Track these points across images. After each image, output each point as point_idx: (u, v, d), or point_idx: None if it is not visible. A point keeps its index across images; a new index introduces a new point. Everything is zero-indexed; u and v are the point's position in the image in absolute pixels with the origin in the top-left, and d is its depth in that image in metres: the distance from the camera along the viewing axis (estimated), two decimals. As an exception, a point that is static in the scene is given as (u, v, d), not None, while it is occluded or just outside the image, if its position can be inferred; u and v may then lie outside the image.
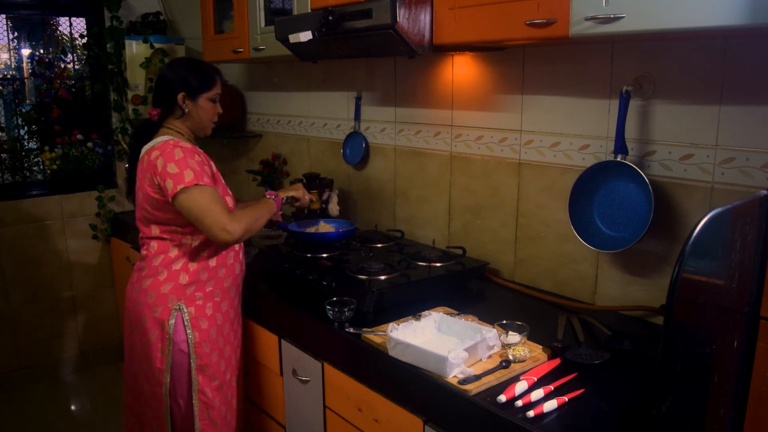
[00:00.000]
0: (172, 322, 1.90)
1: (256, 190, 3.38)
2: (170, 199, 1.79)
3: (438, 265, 2.12)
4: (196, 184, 1.77)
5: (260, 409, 2.28)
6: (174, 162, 1.79)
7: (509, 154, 2.16)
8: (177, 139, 1.88)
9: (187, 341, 1.92)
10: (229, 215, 1.80)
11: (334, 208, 2.58)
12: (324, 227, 2.45)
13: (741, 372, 1.32)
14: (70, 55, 3.50)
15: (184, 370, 1.95)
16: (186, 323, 1.91)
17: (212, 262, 1.94)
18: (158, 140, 1.89)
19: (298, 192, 2.20)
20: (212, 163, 1.95)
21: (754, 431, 1.32)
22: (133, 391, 2.05)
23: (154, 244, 1.94)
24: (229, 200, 1.97)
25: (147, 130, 1.98)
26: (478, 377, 1.44)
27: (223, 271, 1.98)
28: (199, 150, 1.92)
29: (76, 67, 3.54)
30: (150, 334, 1.93)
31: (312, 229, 2.43)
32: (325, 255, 2.22)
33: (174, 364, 1.93)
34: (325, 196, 2.55)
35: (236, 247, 2.02)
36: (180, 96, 1.93)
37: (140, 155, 1.93)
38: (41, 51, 3.54)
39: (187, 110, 1.94)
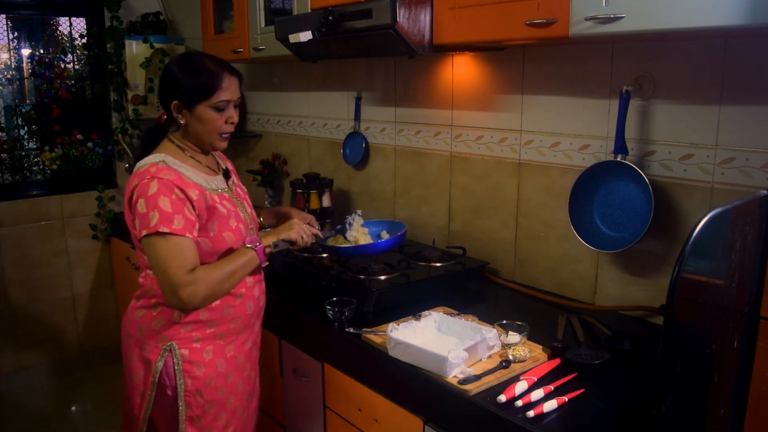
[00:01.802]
0: (160, 364, 1.62)
1: (256, 191, 3.37)
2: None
3: (438, 265, 2.12)
4: (157, 232, 1.49)
5: (260, 409, 2.28)
6: (144, 199, 1.52)
7: (509, 154, 2.16)
8: (162, 165, 1.58)
9: (176, 388, 1.63)
10: (187, 276, 1.49)
11: (359, 237, 2.08)
12: (359, 236, 2.09)
13: (741, 372, 1.32)
14: (70, 55, 3.50)
15: (169, 417, 1.68)
16: (177, 368, 1.62)
17: (216, 302, 1.64)
18: (146, 160, 1.62)
19: (292, 233, 1.72)
20: (208, 194, 1.62)
21: (754, 431, 1.32)
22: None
23: (149, 272, 1.65)
24: (229, 236, 1.63)
25: (153, 138, 1.72)
26: (478, 377, 1.44)
27: (230, 311, 1.68)
28: (188, 181, 1.58)
29: (76, 67, 3.54)
30: (134, 373, 1.67)
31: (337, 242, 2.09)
32: (324, 255, 2.22)
33: (158, 408, 1.67)
34: (347, 220, 2.10)
35: (249, 282, 1.71)
36: (173, 105, 1.62)
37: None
38: (41, 51, 3.54)
39: (182, 122, 1.63)
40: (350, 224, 2.07)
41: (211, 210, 1.61)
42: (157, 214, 1.50)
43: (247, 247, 1.63)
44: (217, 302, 1.64)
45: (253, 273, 1.70)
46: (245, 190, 1.87)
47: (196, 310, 1.61)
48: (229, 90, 1.62)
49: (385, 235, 2.15)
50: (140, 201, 1.53)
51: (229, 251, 1.63)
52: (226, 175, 1.78)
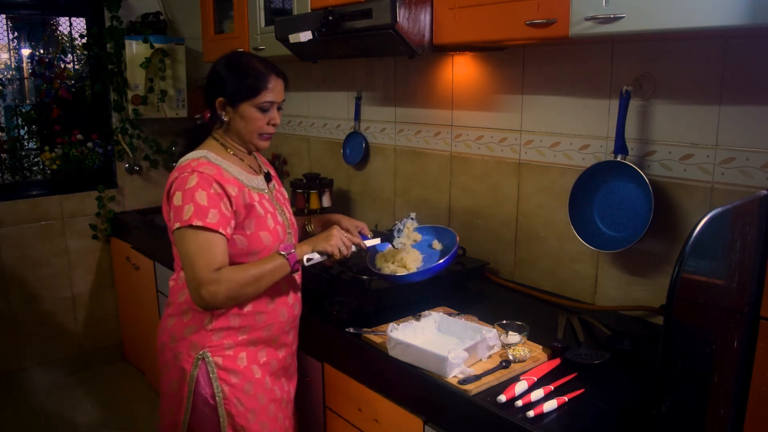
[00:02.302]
0: (194, 372, 1.59)
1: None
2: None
3: (438, 265, 2.11)
4: (190, 225, 1.48)
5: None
6: (182, 191, 1.52)
7: (509, 154, 2.16)
8: (204, 160, 1.57)
9: (215, 396, 1.60)
10: (211, 275, 1.47)
11: (407, 242, 1.87)
12: (409, 259, 1.82)
13: (741, 372, 1.32)
14: (70, 55, 3.50)
15: (210, 427, 1.63)
16: (212, 376, 1.59)
17: (247, 307, 1.61)
18: (188, 156, 1.61)
19: (327, 244, 1.61)
20: (247, 191, 1.60)
21: (754, 431, 1.32)
22: None
23: (182, 275, 1.61)
24: (266, 236, 1.60)
25: (196, 137, 1.70)
26: (478, 377, 1.44)
27: (263, 317, 1.64)
28: (228, 176, 1.57)
29: (76, 67, 3.54)
30: (171, 382, 1.65)
31: (384, 266, 1.82)
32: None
33: (198, 418, 1.62)
34: (396, 226, 1.88)
35: (283, 288, 1.67)
36: (218, 102, 1.63)
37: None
38: (41, 51, 3.54)
39: (226, 119, 1.64)
40: (399, 230, 1.85)
41: (248, 208, 1.59)
42: (192, 208, 1.49)
43: (279, 254, 1.57)
44: (249, 308, 1.61)
45: (287, 281, 1.66)
46: (286, 196, 1.82)
47: (225, 316, 1.59)
48: (274, 92, 1.63)
49: (437, 245, 1.96)
50: (177, 194, 1.52)
51: (264, 252, 1.60)
52: (267, 178, 1.76)
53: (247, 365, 1.63)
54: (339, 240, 1.63)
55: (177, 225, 1.50)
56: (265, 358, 1.67)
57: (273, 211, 1.66)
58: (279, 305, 1.67)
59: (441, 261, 1.78)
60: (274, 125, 1.66)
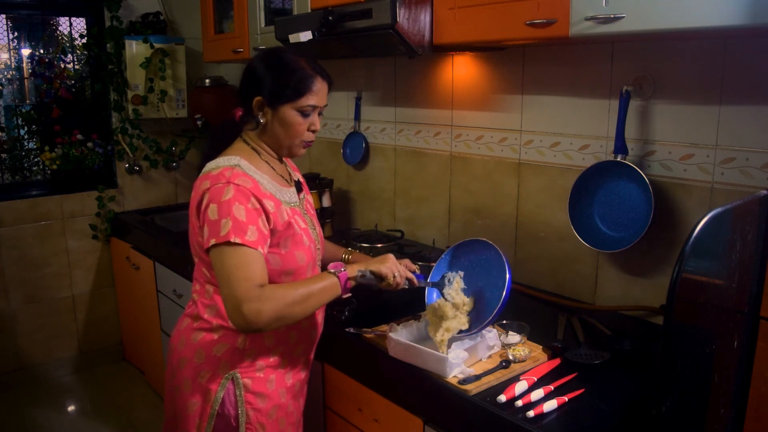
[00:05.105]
0: (220, 394, 1.48)
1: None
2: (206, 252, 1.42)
3: (438, 265, 2.11)
4: (228, 242, 1.35)
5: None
6: (217, 204, 1.38)
7: (509, 154, 2.16)
8: (238, 170, 1.44)
9: (237, 418, 1.50)
10: (253, 291, 1.33)
11: (457, 299, 1.65)
12: (458, 299, 1.65)
13: (741, 372, 1.32)
14: (70, 55, 3.50)
15: None
16: (239, 398, 1.49)
17: (281, 327, 1.49)
18: (219, 163, 1.47)
19: (383, 267, 1.51)
20: (284, 208, 1.50)
21: (754, 431, 1.32)
22: None
23: (210, 288, 1.52)
24: (301, 256, 1.51)
25: (225, 137, 1.57)
26: (478, 377, 1.44)
27: (295, 335, 1.56)
28: (265, 191, 1.46)
29: (76, 67, 3.54)
30: (189, 403, 1.52)
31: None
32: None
33: None
34: (447, 276, 1.72)
35: None
36: (255, 101, 1.49)
37: (201, 171, 1.51)
38: (41, 51, 3.54)
39: (262, 121, 1.51)
40: (449, 281, 1.70)
41: (286, 226, 1.48)
42: (230, 222, 1.36)
43: (329, 272, 1.44)
44: (284, 327, 1.50)
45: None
46: (313, 205, 1.73)
47: (260, 335, 1.50)
48: (318, 95, 1.49)
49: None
50: (212, 206, 1.39)
51: (298, 271, 1.52)
52: (298, 188, 1.65)
53: (275, 388, 1.54)
54: (395, 265, 1.54)
55: (213, 242, 1.37)
56: (291, 381, 1.59)
57: (306, 227, 1.56)
58: (311, 326, 1.61)
59: (497, 309, 1.51)
60: (314, 131, 1.53)
